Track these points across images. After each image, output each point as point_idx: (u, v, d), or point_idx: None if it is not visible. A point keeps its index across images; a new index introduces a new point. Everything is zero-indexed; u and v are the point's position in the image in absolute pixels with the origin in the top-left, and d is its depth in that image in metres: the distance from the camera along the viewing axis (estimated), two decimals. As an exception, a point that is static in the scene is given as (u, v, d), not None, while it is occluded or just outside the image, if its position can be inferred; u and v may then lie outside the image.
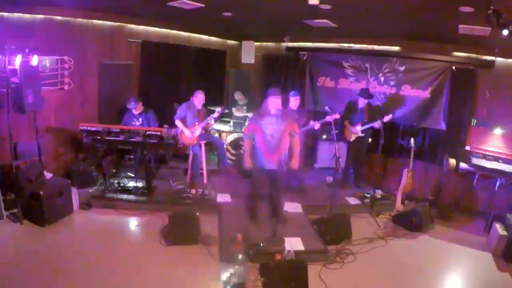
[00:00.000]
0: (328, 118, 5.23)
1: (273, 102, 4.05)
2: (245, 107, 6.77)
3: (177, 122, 5.30)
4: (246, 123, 6.32)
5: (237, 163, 6.06)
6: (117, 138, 4.73)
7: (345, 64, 6.50)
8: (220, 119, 6.18)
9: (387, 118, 5.36)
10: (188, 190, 5.12)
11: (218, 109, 5.28)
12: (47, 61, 5.00)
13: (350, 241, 4.32)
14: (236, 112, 6.71)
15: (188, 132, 5.25)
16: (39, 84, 4.34)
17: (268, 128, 4.06)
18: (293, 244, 3.90)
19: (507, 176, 4.80)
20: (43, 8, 4.83)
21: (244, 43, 7.57)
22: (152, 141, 4.75)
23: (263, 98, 4.30)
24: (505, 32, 3.17)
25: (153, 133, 4.74)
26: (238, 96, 6.91)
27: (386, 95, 6.22)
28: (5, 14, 4.49)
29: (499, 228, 4.37)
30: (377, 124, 5.34)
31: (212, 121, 5.35)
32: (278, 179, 4.28)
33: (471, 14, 3.64)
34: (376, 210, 5.23)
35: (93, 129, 4.67)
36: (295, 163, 4.27)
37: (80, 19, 5.34)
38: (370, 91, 5.73)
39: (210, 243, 4.02)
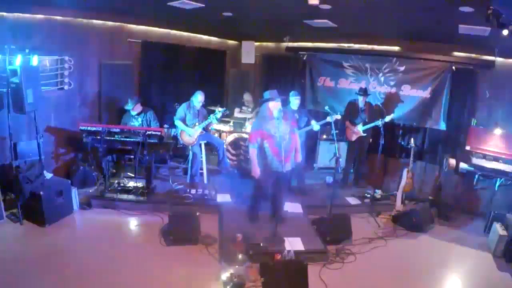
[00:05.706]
0: (329, 119, 5.24)
1: (274, 105, 4.06)
2: (250, 109, 6.72)
3: (177, 122, 5.30)
4: (246, 124, 6.31)
5: (237, 163, 6.05)
6: (117, 138, 4.74)
7: (345, 64, 6.50)
8: (220, 119, 6.18)
9: (388, 118, 5.37)
10: (188, 190, 5.13)
11: (220, 109, 5.28)
12: (47, 61, 4.99)
13: (350, 241, 4.31)
14: (238, 114, 6.67)
15: (188, 132, 5.25)
16: (39, 84, 4.34)
17: (277, 131, 4.00)
18: (293, 244, 3.90)
19: (507, 176, 4.80)
20: (43, 8, 4.82)
21: (244, 43, 7.56)
22: (152, 141, 4.76)
23: (261, 100, 4.28)
24: (505, 32, 3.17)
25: (153, 133, 4.75)
26: (247, 97, 6.82)
27: (386, 94, 6.23)
28: (5, 14, 4.48)
29: (499, 228, 4.36)
30: (379, 123, 5.33)
31: (214, 121, 5.36)
32: (285, 179, 4.27)
33: (471, 14, 3.64)
34: (376, 210, 5.23)
35: (93, 129, 4.68)
36: (299, 156, 4.34)
37: (80, 19, 5.33)
38: (366, 89, 5.75)
39: (210, 243, 4.02)
